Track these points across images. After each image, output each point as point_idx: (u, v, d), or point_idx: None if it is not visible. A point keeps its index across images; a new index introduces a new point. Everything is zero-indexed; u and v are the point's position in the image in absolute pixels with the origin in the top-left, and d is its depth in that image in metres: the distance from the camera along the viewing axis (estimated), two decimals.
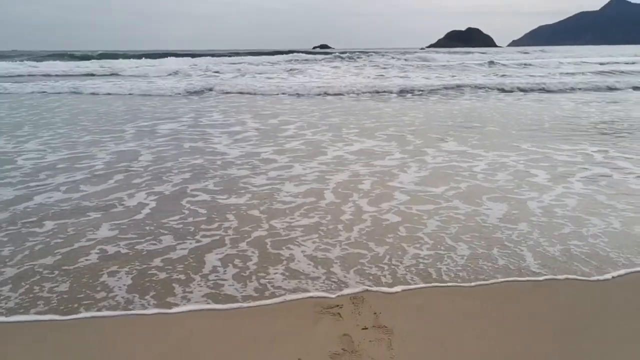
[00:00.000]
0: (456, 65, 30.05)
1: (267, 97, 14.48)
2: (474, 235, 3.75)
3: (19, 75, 23.17)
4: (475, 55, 44.80)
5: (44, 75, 23.39)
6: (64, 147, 7.10)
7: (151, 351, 2.32)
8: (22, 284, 3.01)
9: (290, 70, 25.08)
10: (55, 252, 3.48)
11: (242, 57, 39.16)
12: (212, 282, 3.04)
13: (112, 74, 24.22)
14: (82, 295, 2.86)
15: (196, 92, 15.42)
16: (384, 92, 15.39)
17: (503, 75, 21.24)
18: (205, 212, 4.35)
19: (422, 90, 15.64)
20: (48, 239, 3.71)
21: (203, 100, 13.51)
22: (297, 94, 15.15)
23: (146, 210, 4.38)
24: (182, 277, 3.09)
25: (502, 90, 16.08)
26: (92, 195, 4.80)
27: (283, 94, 15.12)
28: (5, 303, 2.78)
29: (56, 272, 3.17)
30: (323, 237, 3.72)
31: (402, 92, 15.38)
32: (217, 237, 3.74)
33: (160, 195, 4.86)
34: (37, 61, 31.12)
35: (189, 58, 35.32)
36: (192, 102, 13.01)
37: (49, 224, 4.00)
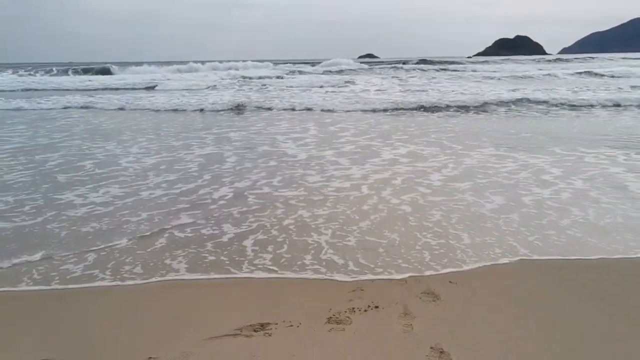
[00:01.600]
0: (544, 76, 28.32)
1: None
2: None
3: (86, 90, 25.54)
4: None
5: (105, 89, 25.23)
6: (162, 150, 8.58)
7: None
8: (125, 257, 4.17)
9: (346, 83, 25.23)
10: (138, 233, 4.56)
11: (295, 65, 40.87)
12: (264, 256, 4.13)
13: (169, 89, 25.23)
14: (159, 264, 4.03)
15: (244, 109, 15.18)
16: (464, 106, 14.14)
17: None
18: (263, 201, 5.44)
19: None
20: (140, 226, 4.89)
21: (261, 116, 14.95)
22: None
23: (221, 202, 5.46)
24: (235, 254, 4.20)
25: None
26: (187, 191, 5.92)
27: (348, 111, 13.96)
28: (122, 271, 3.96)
29: (138, 247, 4.33)
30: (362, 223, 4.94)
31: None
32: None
33: (235, 189, 5.95)
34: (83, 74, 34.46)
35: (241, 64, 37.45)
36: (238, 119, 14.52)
37: (143, 214, 5.07)
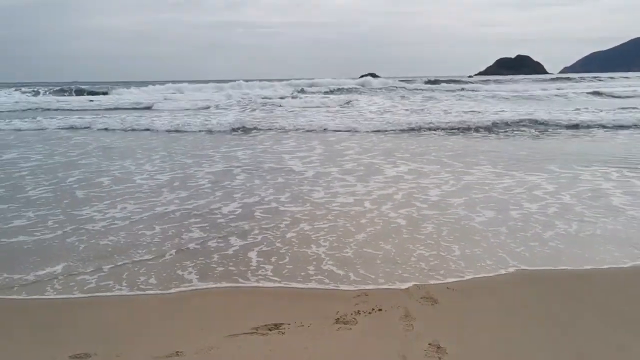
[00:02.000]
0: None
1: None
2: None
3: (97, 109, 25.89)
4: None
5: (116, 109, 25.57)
6: (173, 167, 8.93)
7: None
8: (137, 268, 4.47)
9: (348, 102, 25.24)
10: (152, 247, 4.86)
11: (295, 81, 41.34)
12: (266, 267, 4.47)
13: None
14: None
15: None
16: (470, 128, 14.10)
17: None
18: (271, 216, 5.79)
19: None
20: (156, 239, 5.22)
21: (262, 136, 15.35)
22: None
23: (232, 216, 5.81)
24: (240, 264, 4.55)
25: None
26: (200, 206, 6.26)
27: (352, 130, 14.11)
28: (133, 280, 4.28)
29: (156, 259, 4.66)
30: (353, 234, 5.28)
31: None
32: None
33: (244, 204, 6.31)
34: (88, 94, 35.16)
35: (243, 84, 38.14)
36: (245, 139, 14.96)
37: (157, 228, 5.40)
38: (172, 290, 3.98)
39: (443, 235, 5.10)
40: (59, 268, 4.37)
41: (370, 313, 3.50)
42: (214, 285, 4.06)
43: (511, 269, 4.27)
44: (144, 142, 12.92)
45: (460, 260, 4.46)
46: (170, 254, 4.70)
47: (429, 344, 3.04)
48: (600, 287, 3.95)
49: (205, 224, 5.56)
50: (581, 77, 56.31)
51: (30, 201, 6.68)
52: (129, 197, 6.80)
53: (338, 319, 3.42)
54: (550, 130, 14.07)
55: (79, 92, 37.75)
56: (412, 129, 14.27)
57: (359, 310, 3.54)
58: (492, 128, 14.28)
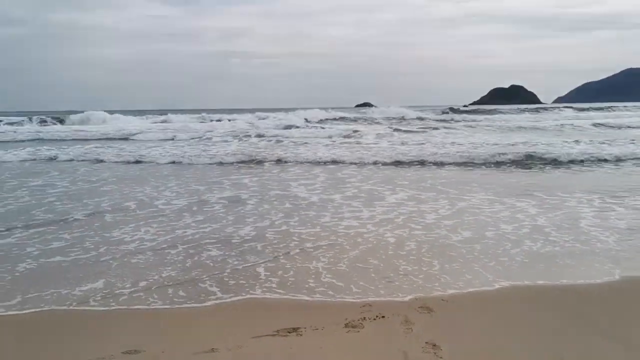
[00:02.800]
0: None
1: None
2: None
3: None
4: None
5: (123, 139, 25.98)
6: (189, 194, 9.56)
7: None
8: (167, 282, 5.06)
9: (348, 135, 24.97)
10: (178, 264, 5.49)
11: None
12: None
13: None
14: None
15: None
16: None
17: None
18: (280, 237, 6.44)
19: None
20: (180, 257, 5.83)
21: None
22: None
23: (247, 238, 6.40)
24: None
25: None
26: (215, 230, 6.86)
27: (354, 163, 14.13)
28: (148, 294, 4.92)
29: (178, 275, 5.28)
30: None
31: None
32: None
33: (257, 227, 6.95)
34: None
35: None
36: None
37: (180, 248, 6.02)
38: (203, 303, 4.53)
39: (435, 252, 5.72)
40: (99, 284, 4.94)
41: (374, 319, 4.07)
42: (235, 298, 4.62)
43: (498, 284, 4.88)
44: (155, 170, 13.57)
45: (447, 275, 5.05)
46: (196, 271, 5.28)
47: (426, 343, 3.61)
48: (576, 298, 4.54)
49: (221, 244, 6.19)
50: (583, 109, 55.04)
51: (65, 224, 7.28)
52: (152, 221, 7.42)
53: (347, 323, 3.99)
54: (533, 163, 13.88)
55: (85, 122, 38.59)
56: (410, 162, 14.27)
57: (364, 317, 4.10)
58: (485, 160, 14.23)
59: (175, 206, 8.46)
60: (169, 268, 5.35)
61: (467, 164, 13.93)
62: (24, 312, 4.33)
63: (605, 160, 14.01)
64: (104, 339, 3.82)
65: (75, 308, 4.41)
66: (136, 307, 4.42)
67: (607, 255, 5.56)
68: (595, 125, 30.56)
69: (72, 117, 40.46)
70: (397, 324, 3.96)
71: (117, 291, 4.73)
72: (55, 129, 32.69)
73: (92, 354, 3.52)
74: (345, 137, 24.65)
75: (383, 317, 4.12)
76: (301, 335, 3.80)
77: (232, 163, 15.09)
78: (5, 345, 3.80)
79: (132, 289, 4.78)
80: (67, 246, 6.20)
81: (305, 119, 35.72)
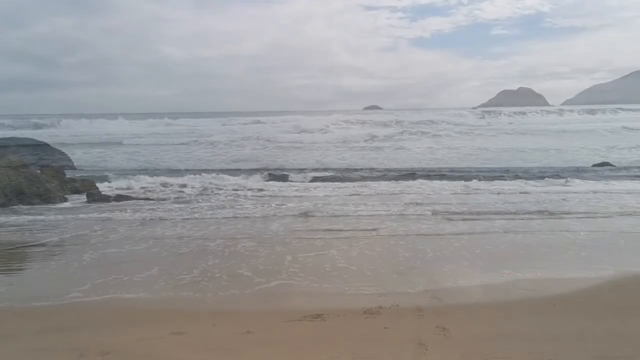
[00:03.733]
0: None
1: None
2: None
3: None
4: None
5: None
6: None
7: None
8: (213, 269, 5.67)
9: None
10: (218, 253, 6.19)
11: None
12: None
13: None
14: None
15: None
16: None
17: None
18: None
19: None
20: (219, 248, 6.46)
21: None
22: None
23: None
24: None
25: None
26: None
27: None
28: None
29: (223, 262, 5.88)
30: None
31: None
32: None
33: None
34: None
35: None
36: None
37: (218, 240, 6.77)
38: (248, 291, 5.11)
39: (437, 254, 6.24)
40: (155, 271, 5.72)
41: (390, 307, 4.55)
42: (266, 285, 5.20)
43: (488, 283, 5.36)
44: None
45: (454, 271, 5.54)
46: (235, 260, 6.05)
47: (436, 327, 4.08)
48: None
49: (253, 236, 6.95)
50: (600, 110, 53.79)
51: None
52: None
53: (366, 311, 4.47)
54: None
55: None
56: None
57: (381, 306, 4.58)
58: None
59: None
60: (211, 257, 6.08)
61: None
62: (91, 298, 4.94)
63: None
64: (154, 320, 4.34)
65: (132, 296, 5.01)
66: (188, 294, 5.04)
67: None
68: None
69: None
70: (410, 310, 4.45)
71: (173, 278, 5.43)
72: None
73: (143, 335, 4.03)
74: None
75: (397, 305, 4.59)
76: (325, 320, 4.28)
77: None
78: (78, 327, 4.27)
79: (186, 276, 5.49)
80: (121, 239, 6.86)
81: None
